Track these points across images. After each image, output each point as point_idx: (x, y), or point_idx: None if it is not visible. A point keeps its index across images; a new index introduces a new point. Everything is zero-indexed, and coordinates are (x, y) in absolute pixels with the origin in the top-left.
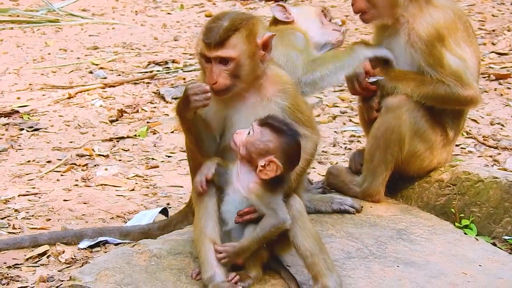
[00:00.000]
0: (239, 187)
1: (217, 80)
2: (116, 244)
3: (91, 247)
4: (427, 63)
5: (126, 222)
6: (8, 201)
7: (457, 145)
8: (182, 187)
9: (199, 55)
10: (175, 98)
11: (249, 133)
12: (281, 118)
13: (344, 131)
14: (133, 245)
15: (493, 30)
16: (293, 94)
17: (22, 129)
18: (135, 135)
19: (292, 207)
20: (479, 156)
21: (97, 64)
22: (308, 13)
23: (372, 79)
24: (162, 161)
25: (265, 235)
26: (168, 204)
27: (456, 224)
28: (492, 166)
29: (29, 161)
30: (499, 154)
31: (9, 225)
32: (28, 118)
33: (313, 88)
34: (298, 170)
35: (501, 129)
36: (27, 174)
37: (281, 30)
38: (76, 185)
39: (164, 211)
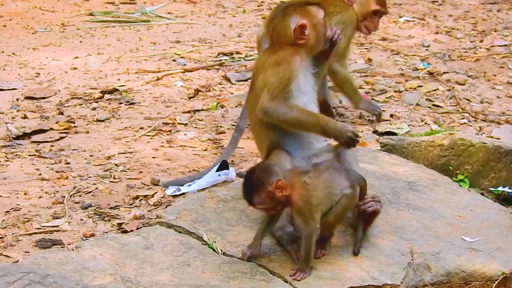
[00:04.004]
0: None
1: None
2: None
3: (174, 196)
4: None
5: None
6: (110, 157)
7: (455, 119)
8: (243, 148)
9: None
10: (239, 81)
11: None
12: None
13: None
14: (206, 192)
15: (483, 31)
16: None
17: (121, 103)
18: (208, 109)
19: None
20: (470, 126)
21: (179, 54)
22: None
23: None
24: (228, 128)
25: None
26: (232, 161)
27: (453, 178)
28: (482, 134)
29: (126, 128)
30: (488, 125)
31: (110, 176)
32: (126, 94)
33: None
34: None
35: (489, 106)
36: (125, 137)
37: None
38: (162, 146)
39: (224, 163)
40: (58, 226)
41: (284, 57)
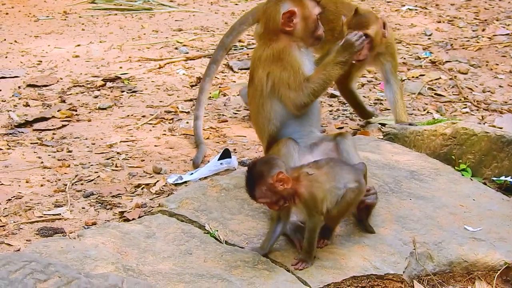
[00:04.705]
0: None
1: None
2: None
3: (176, 185)
4: None
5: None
6: (112, 146)
7: (457, 108)
8: (245, 136)
9: None
10: (241, 69)
11: None
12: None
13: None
14: (208, 180)
15: (485, 20)
16: None
17: (123, 91)
18: (210, 97)
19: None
20: (472, 115)
21: (181, 42)
22: None
23: None
24: (230, 117)
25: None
26: (235, 149)
27: (456, 168)
28: (484, 123)
29: (128, 116)
30: (490, 115)
31: (112, 164)
32: (128, 82)
33: None
34: None
35: (491, 95)
36: (127, 126)
37: None
38: (164, 134)
39: (227, 152)
40: (60, 214)
41: (281, 49)
